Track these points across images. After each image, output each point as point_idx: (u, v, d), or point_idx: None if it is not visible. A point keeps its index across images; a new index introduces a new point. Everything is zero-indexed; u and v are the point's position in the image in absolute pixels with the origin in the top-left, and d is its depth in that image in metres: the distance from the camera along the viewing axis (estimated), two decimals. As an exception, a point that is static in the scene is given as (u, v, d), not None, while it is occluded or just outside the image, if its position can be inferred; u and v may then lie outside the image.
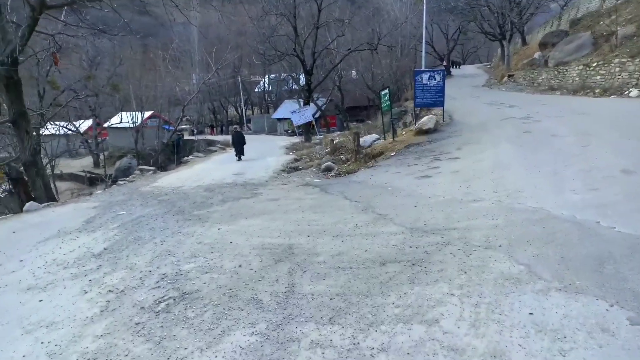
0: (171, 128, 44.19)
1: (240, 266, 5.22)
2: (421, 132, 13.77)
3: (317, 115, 44.16)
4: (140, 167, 19.46)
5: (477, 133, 13.07)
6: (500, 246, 4.97)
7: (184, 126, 49.75)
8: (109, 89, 38.94)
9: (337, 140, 20.46)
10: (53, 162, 28.40)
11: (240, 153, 20.36)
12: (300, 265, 5.08)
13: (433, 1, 42.57)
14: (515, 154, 9.96)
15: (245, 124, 50.99)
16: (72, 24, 20.44)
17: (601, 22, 27.43)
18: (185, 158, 23.58)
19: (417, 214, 6.69)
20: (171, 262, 5.64)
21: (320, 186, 10.40)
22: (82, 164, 41.25)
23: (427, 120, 13.94)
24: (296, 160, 18.43)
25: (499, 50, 45.64)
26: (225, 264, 5.35)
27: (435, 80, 15.12)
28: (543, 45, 32.34)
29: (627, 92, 18.42)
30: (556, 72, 25.70)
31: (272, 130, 47.35)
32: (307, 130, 28.90)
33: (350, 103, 47.37)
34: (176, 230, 7.33)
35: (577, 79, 23.14)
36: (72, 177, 37.21)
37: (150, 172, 17.38)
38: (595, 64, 22.06)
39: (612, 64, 20.51)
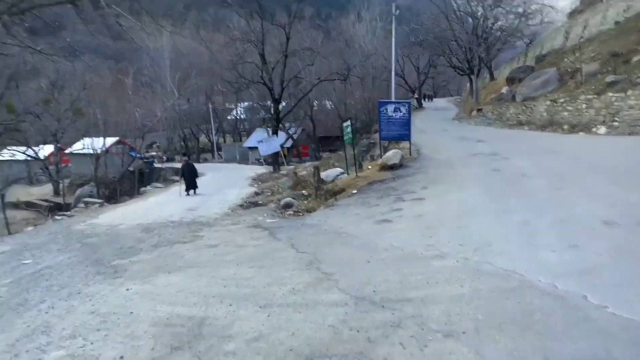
0: (138, 155, 42.42)
1: (121, 358, 3.86)
2: (386, 167, 12.73)
3: (289, 145, 43.25)
4: (86, 199, 17.79)
5: (444, 170, 12.10)
6: (464, 333, 3.76)
7: (153, 153, 48.00)
8: (72, 113, 37.16)
9: (301, 173, 19.32)
10: (3, 190, 26.20)
11: (191, 187, 18.36)
12: (201, 358, 3.75)
13: (403, 35, 42.73)
14: (484, 197, 8.95)
15: (216, 152, 49.50)
16: (31, 46, 18.74)
17: (565, 59, 27.53)
18: (143, 189, 21.97)
19: (368, 275, 5.47)
20: (38, 346, 4.22)
21: (270, 229, 9.12)
22: (42, 191, 38.86)
23: (392, 155, 12.93)
24: (257, 194, 17.14)
25: (468, 84, 45.97)
26: (104, 352, 3.97)
27: (400, 112, 14.22)
28: (510, 81, 32.35)
29: (594, 129, 17.97)
30: (524, 107, 25.41)
31: (244, 159, 45.99)
32: (275, 160, 27.72)
33: (323, 133, 46.65)
34: (76, 291, 5.90)
35: (545, 114, 22.79)
36: (29, 205, 34.78)
37: (97, 205, 15.79)
38: (562, 100, 21.75)
39: (579, 100, 20.17)
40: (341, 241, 7.35)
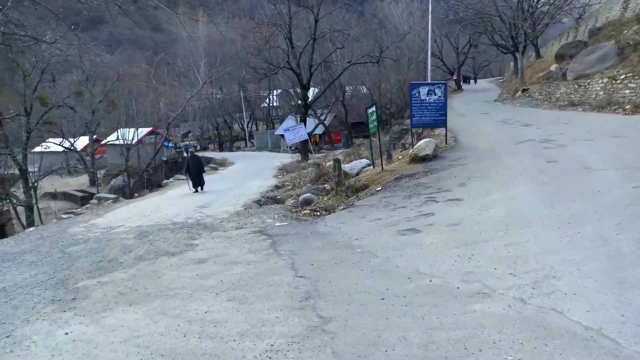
0: (171, 145, 41.97)
1: None
2: (417, 159, 10.85)
3: (320, 132, 41.52)
4: (99, 195, 16.84)
5: (486, 162, 10.11)
6: None
7: (188, 142, 47.55)
8: (106, 105, 36.91)
9: (328, 163, 17.69)
10: (37, 181, 26.01)
11: (198, 184, 16.07)
12: None
13: (441, 12, 39.78)
14: (538, 197, 7.01)
15: (248, 141, 48.51)
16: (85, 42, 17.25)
17: (625, 31, 24.27)
18: (165, 181, 20.99)
19: (379, 325, 3.81)
20: None
21: (274, 237, 7.57)
22: (78, 182, 39.11)
23: (424, 144, 11.01)
24: (277, 187, 15.66)
25: (512, 63, 42.50)
26: None
27: (435, 95, 12.23)
28: (560, 57, 29.15)
29: (665, 109, 15.29)
30: (576, 86, 22.57)
31: (276, 147, 44.72)
32: (304, 148, 26.15)
33: (357, 118, 44.55)
34: (6, 332, 4.57)
35: (602, 93, 20.00)
36: (66, 196, 34.97)
37: (110, 200, 14.75)
38: (623, 77, 18.92)
39: (644, 76, 17.38)
40: (353, 260, 5.69)
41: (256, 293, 4.97)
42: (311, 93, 32.87)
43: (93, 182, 37.08)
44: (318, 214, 10.27)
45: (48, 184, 34.56)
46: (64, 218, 12.29)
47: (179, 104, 42.36)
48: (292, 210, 10.90)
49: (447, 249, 5.54)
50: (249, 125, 52.43)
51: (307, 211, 10.59)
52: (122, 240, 8.65)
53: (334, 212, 9.77)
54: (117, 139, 36.60)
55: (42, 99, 29.63)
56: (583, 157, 9.30)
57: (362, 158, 14.17)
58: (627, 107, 17.26)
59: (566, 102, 22.54)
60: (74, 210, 13.68)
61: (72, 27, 11.23)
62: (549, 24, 34.35)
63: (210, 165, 27.61)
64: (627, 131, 11.88)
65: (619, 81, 19.04)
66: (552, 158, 9.58)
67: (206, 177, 21.54)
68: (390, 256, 5.60)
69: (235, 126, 54.21)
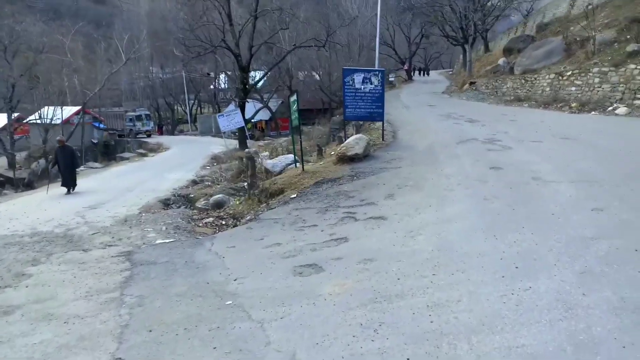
0: (102, 126, 38.31)
1: None
2: (344, 159, 9.06)
3: (266, 118, 39.18)
4: None
5: (422, 166, 8.46)
6: None
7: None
8: (28, 79, 32.74)
9: (263, 154, 15.70)
10: None
11: (68, 183, 12.42)
12: None
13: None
14: (478, 221, 5.39)
15: (192, 124, 45.31)
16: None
17: (572, 28, 23.59)
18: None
19: None
20: None
21: (137, 267, 5.54)
22: (-3, 164, 34.81)
23: (354, 141, 9.21)
24: (195, 182, 13.50)
25: (461, 56, 41.79)
26: None
27: (371, 84, 10.43)
28: (508, 51, 28.32)
29: (611, 108, 14.37)
30: (523, 81, 21.65)
31: (220, 132, 41.88)
32: (242, 136, 23.87)
33: (306, 105, 42.52)
34: None
35: (548, 89, 19.09)
36: (-24, 180, 30.83)
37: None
38: (569, 73, 18.03)
39: (591, 74, 16.48)
40: (213, 324, 3.78)
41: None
42: (258, 77, 30.47)
43: (12, 165, 33.08)
44: (223, 223, 8.35)
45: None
46: None
47: (115, 81, 38.68)
48: (194, 217, 8.88)
49: (349, 308, 3.75)
50: (195, 108, 49.09)
51: (211, 219, 8.63)
52: None
53: (239, 222, 7.86)
54: (40, 117, 32.74)
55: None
56: (531, 163, 7.85)
57: (288, 154, 12.24)
58: (573, 105, 16.32)
59: (512, 97, 21.59)
60: None
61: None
62: (499, 16, 33.59)
63: (139, 151, 24.77)
64: (575, 132, 10.66)
65: (565, 77, 18.14)
66: (497, 163, 8.08)
67: (126, 166, 19.02)
68: (266, 319, 3.75)
69: (181, 109, 50.62)
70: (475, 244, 4.78)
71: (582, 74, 16.99)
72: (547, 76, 19.59)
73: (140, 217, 8.87)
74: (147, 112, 42.84)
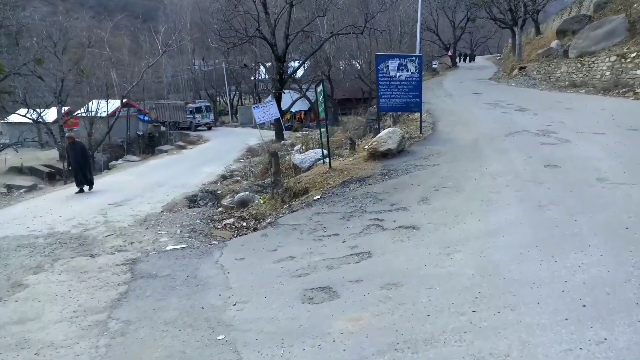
0: (147, 118, 38.97)
1: None
2: (376, 155, 8.13)
3: (305, 109, 38.44)
4: (10, 183, 14.10)
5: (464, 163, 7.39)
6: None
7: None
8: (75, 74, 33.61)
9: (297, 147, 15.01)
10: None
11: (82, 182, 11.70)
12: None
13: (437, -18, 36.09)
14: (531, 236, 4.37)
15: (233, 115, 45.32)
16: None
17: (636, 5, 21.15)
18: (114, 162, 18.25)
19: None
20: None
21: (136, 280, 4.95)
22: (49, 155, 36.20)
23: (386, 135, 8.23)
24: (224, 177, 12.99)
25: (510, 40, 39.16)
26: None
27: (408, 71, 9.38)
28: (562, 33, 26.01)
29: (688, 94, 12.53)
30: (579, 65, 19.62)
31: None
32: (278, 127, 23.28)
33: (346, 95, 41.43)
34: None
35: (608, 73, 17.12)
36: (32, 171, 32.14)
37: (24, 190, 12.06)
38: (634, 55, 16.03)
39: (660, 55, 14.53)
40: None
41: None
42: (295, 66, 29.72)
43: (62, 156, 34.28)
44: (243, 225, 7.68)
45: (17, 158, 31.92)
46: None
47: (158, 74, 39.14)
48: (214, 217, 8.28)
49: (362, 357, 2.92)
50: (236, 99, 49.09)
51: (232, 220, 7.99)
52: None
53: (259, 225, 7.17)
54: (88, 111, 33.65)
55: (-2, 65, 26.46)
56: (594, 160, 6.62)
57: (318, 149, 11.39)
58: (639, 90, 14.47)
59: (567, 83, 19.65)
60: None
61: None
62: (551, -3, 31.01)
63: (178, 143, 24.76)
64: (647, 122, 9.17)
65: (629, 60, 16.15)
66: (553, 160, 6.90)
67: (163, 159, 18.90)
68: (260, 364, 2.99)
69: (222, 100, 50.79)
70: (528, 267, 3.81)
71: (650, 55, 15.05)
72: (608, 59, 17.57)
73: (160, 217, 8.37)
74: (208, 104, 40.86)
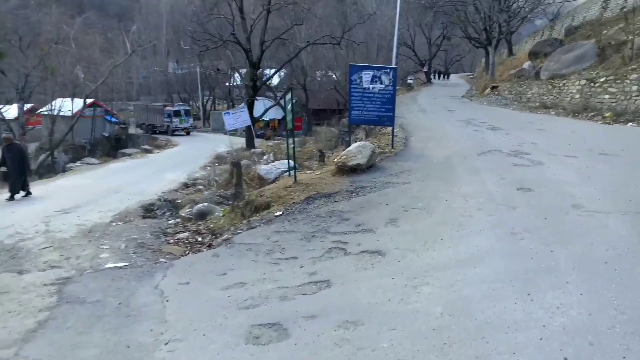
0: (115, 120, 37.59)
1: None
2: (344, 169, 7.69)
3: (279, 117, 37.89)
4: None
5: (435, 182, 7.02)
6: None
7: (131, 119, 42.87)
8: (41, 70, 32.11)
9: (264, 157, 14.46)
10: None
11: (15, 188, 10.52)
12: None
13: (414, -1, 36.44)
14: (504, 268, 3.97)
15: (205, 120, 44.33)
16: None
17: (605, 32, 21.71)
18: (71, 164, 17.23)
19: None
20: None
21: (55, 308, 4.30)
22: (7, 154, 34.31)
23: (356, 150, 7.80)
24: (186, 186, 12.31)
25: (483, 59, 39.91)
26: None
27: (381, 84, 9.02)
28: (534, 55, 26.50)
29: (653, 121, 12.68)
30: (550, 87, 19.89)
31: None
32: (249, 135, 22.65)
33: (321, 105, 41.24)
34: None
35: (578, 96, 17.33)
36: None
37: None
38: (602, 79, 16.25)
39: (628, 81, 14.72)
40: None
41: None
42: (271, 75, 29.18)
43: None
44: (198, 240, 7.06)
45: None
46: None
47: (129, 75, 37.88)
48: (167, 230, 7.63)
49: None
50: (209, 105, 48.08)
51: (187, 234, 7.36)
52: None
53: (216, 241, 6.58)
54: (52, 109, 32.14)
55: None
56: (568, 185, 6.36)
57: (284, 160, 10.88)
58: (607, 114, 14.59)
59: (538, 104, 19.86)
60: None
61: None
62: (525, 19, 31.70)
63: (143, 147, 23.78)
64: (616, 147, 9.07)
65: (597, 84, 16.37)
66: (526, 183, 6.60)
67: (125, 163, 18.00)
68: None
69: (196, 105, 49.66)
70: (502, 306, 3.39)
71: (618, 81, 15.23)
72: (577, 82, 17.81)
73: (107, 228, 7.65)
74: (187, 108, 37.73)
